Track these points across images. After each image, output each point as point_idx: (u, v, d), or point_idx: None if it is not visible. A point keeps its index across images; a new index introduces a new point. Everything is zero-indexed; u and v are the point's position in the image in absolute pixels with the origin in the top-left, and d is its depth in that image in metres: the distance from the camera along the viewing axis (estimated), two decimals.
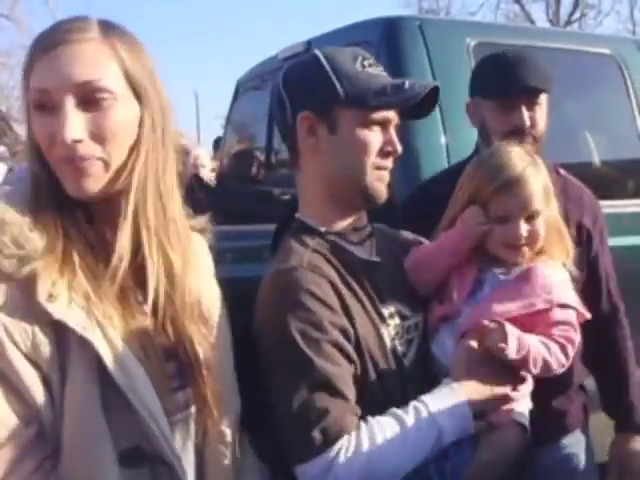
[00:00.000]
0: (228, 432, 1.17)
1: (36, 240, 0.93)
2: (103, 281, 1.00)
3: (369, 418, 1.24)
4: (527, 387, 1.36)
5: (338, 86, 1.31)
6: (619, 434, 1.92)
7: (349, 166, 1.34)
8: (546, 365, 1.31)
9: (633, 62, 2.78)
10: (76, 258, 0.98)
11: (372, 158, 1.33)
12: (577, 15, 23.55)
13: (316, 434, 1.18)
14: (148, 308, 1.07)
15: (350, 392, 1.24)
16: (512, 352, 1.26)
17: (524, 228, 1.37)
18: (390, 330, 1.35)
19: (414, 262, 1.46)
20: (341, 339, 1.25)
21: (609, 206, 2.48)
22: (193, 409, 1.11)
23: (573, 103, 3.10)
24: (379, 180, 1.36)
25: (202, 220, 1.26)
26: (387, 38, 2.39)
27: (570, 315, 1.36)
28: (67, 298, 0.94)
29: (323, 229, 1.38)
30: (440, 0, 25.42)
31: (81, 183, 0.99)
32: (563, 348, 1.32)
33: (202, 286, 1.18)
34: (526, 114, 1.74)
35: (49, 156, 0.99)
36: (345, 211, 1.40)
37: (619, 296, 1.93)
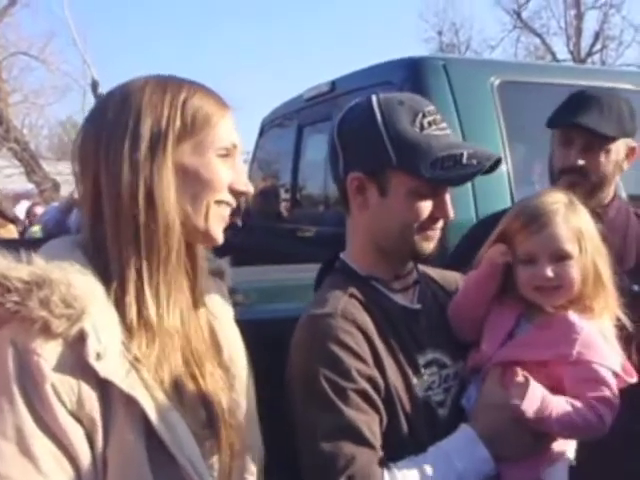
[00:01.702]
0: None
1: (84, 298, 0.93)
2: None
3: (391, 465, 1.23)
4: (559, 445, 1.31)
5: (391, 151, 1.28)
6: None
7: (396, 228, 1.32)
8: (574, 428, 1.25)
9: None
10: (133, 314, 0.99)
11: (418, 223, 1.32)
12: (598, 47, 23.59)
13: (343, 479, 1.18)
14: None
15: (376, 441, 1.24)
16: (528, 407, 1.22)
17: (549, 268, 1.31)
18: (425, 380, 1.33)
19: (451, 308, 1.44)
20: (369, 389, 1.24)
21: None
22: (216, 458, 1.11)
23: None
24: (427, 239, 1.34)
25: (222, 264, 1.26)
26: (411, 79, 2.42)
27: (604, 374, 1.27)
28: (115, 356, 0.95)
29: (365, 274, 1.38)
30: (461, 34, 25.68)
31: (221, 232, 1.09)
32: (593, 409, 1.25)
33: (222, 333, 1.18)
34: (579, 154, 1.73)
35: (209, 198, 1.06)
36: (391, 261, 1.39)
37: None
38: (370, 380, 1.25)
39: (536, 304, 1.36)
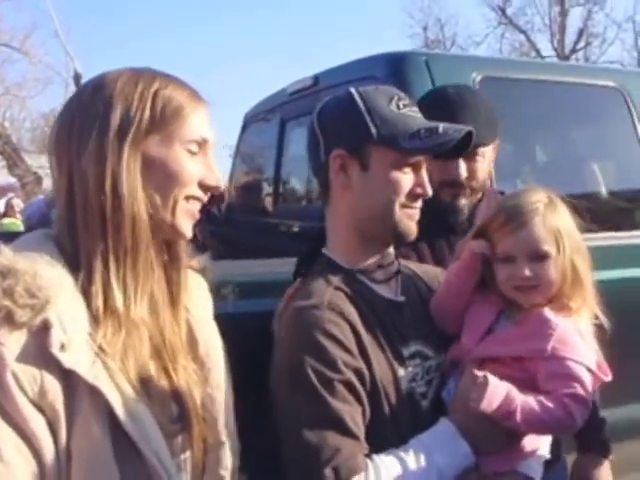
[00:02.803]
0: (226, 475, 1.17)
1: (49, 288, 0.93)
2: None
3: (374, 457, 1.23)
4: (533, 441, 1.32)
5: (371, 126, 1.32)
6: (582, 455, 1.79)
7: (379, 204, 1.34)
8: (541, 425, 1.25)
9: (637, 94, 2.80)
10: (99, 302, 0.99)
11: (401, 198, 1.34)
12: (582, 44, 23.75)
13: (328, 472, 1.19)
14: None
15: (360, 432, 1.24)
16: (487, 407, 1.22)
17: (527, 268, 1.32)
18: (409, 372, 1.34)
19: (434, 300, 1.45)
20: (354, 380, 1.25)
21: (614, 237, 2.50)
22: (189, 453, 1.10)
23: (579, 135, 3.13)
24: (409, 218, 1.37)
25: (202, 260, 1.26)
26: (394, 73, 2.42)
27: (577, 370, 1.27)
28: (80, 346, 0.95)
29: (349, 266, 1.39)
30: (446, 30, 25.74)
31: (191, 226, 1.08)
32: (563, 406, 1.24)
33: (198, 327, 1.18)
34: (463, 166, 1.72)
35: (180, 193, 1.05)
36: (373, 248, 1.41)
37: None
38: (356, 371, 1.26)
39: (516, 302, 1.36)
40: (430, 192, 1.37)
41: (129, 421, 0.96)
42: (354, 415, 1.24)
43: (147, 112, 1.02)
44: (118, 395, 0.96)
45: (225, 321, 1.26)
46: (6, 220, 7.55)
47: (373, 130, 1.32)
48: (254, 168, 4.01)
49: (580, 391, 1.26)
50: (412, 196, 1.36)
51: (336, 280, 1.35)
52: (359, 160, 1.34)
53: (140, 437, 0.97)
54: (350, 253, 1.40)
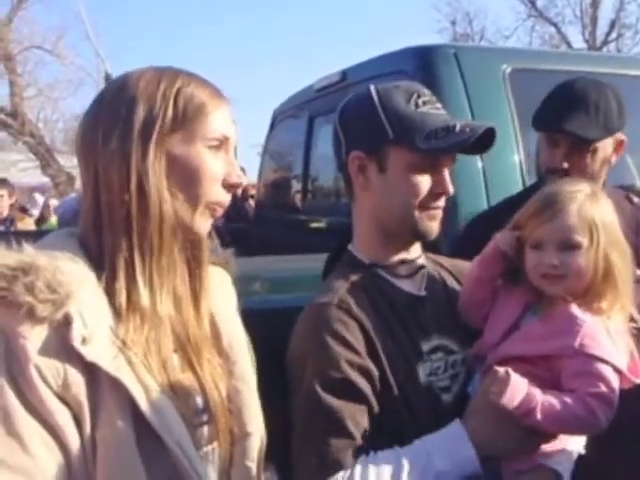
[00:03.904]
0: (252, 466, 1.18)
1: (70, 284, 0.95)
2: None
3: (368, 457, 1.24)
4: (558, 439, 1.29)
5: (387, 126, 1.32)
6: None
7: (397, 205, 1.34)
8: (562, 424, 1.23)
9: None
10: (122, 299, 1.00)
11: (420, 199, 1.33)
12: (614, 35, 23.34)
13: (314, 462, 1.22)
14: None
15: (358, 432, 1.25)
16: (508, 402, 1.20)
17: (555, 256, 1.29)
18: (428, 366, 1.34)
19: (461, 295, 1.44)
20: (358, 379, 1.26)
21: None
22: (216, 444, 1.12)
23: None
24: (429, 218, 1.36)
25: (225, 254, 1.27)
26: (422, 67, 2.41)
27: (602, 369, 1.23)
28: (102, 340, 0.96)
29: (370, 262, 1.40)
30: (474, 24, 25.50)
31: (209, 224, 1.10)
32: (586, 405, 1.21)
33: (222, 321, 1.19)
34: (564, 156, 1.72)
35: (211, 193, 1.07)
36: (395, 245, 1.41)
37: None
38: (361, 370, 1.27)
39: (544, 296, 1.34)
40: (451, 190, 1.36)
41: (151, 412, 0.97)
42: (354, 414, 1.25)
43: (170, 111, 1.03)
44: (140, 387, 0.97)
45: (255, 316, 1.27)
46: (53, 219, 7.67)
47: (389, 130, 1.32)
48: (283, 165, 4.01)
49: (604, 390, 1.22)
50: (432, 196, 1.34)
51: (355, 276, 1.37)
52: (377, 161, 1.34)
53: (162, 427, 0.98)
54: (373, 249, 1.41)
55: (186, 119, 1.04)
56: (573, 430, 1.28)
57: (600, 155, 1.75)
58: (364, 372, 1.27)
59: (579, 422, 1.23)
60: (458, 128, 1.31)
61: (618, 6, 23.11)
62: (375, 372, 1.28)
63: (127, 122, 1.02)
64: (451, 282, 1.50)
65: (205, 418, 1.09)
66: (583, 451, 1.34)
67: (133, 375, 0.97)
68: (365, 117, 1.35)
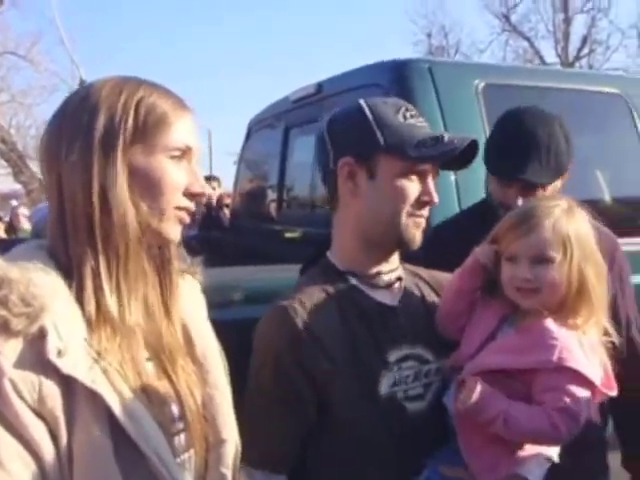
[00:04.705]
0: (228, 473, 1.18)
1: (43, 296, 0.94)
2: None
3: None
4: (531, 446, 1.32)
5: (379, 135, 1.36)
6: None
7: (386, 211, 1.37)
8: (524, 435, 1.26)
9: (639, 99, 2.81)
10: (92, 308, 1.00)
11: (407, 206, 1.37)
12: (586, 51, 23.75)
13: (255, 456, 1.32)
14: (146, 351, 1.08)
15: (286, 440, 1.35)
16: (472, 410, 1.24)
17: (529, 270, 1.31)
18: (393, 375, 1.36)
19: (440, 307, 1.46)
20: (300, 389, 1.32)
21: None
22: (192, 451, 1.12)
23: (583, 142, 3.13)
24: (415, 226, 1.39)
25: (194, 262, 1.27)
26: (397, 81, 2.44)
27: (574, 384, 1.26)
28: (77, 351, 0.95)
29: (344, 269, 1.42)
30: (450, 37, 25.79)
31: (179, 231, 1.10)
32: (548, 418, 1.24)
33: (194, 329, 1.19)
34: (517, 195, 1.74)
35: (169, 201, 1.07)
36: (376, 254, 1.43)
37: None
38: (306, 379, 1.31)
39: (521, 308, 1.36)
40: (437, 200, 1.40)
41: (128, 422, 0.97)
42: (282, 423, 1.33)
43: (131, 121, 1.03)
44: (117, 397, 0.97)
45: (229, 327, 1.28)
46: (26, 226, 7.57)
47: (381, 139, 1.36)
48: (258, 175, 4.02)
49: (571, 405, 1.25)
50: (419, 204, 1.38)
51: (326, 282, 1.40)
52: (367, 168, 1.37)
53: (139, 436, 0.98)
54: (352, 258, 1.43)
55: (147, 129, 1.04)
56: (535, 441, 1.30)
57: (549, 190, 1.78)
58: (308, 381, 1.31)
59: (541, 434, 1.26)
60: (447, 139, 1.36)
61: (590, 22, 23.56)
62: (322, 382, 1.32)
63: (88, 132, 1.01)
64: (429, 293, 1.52)
65: (181, 426, 1.10)
66: (557, 459, 1.36)
67: (109, 385, 0.97)
68: (356, 125, 1.39)
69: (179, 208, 1.09)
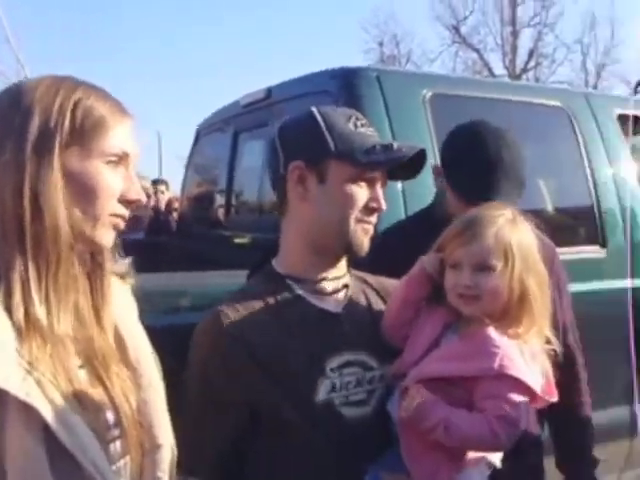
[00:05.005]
0: (164, 478, 1.16)
1: None
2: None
3: None
4: (473, 453, 1.33)
5: (330, 140, 1.38)
6: None
7: (335, 216, 1.38)
8: (465, 442, 1.28)
9: (581, 113, 2.89)
10: (20, 316, 0.97)
11: (356, 212, 1.38)
12: (532, 64, 24.38)
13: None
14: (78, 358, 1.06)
15: (214, 449, 1.37)
16: (413, 417, 1.26)
17: (470, 277, 1.33)
18: (331, 382, 1.36)
19: (385, 315, 1.46)
20: (230, 398, 1.33)
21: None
22: (128, 458, 1.10)
23: (527, 153, 3.20)
24: (363, 232, 1.41)
25: (124, 264, 1.23)
26: (345, 88, 2.46)
27: (514, 391, 1.28)
28: (8, 363, 0.92)
29: (288, 275, 1.42)
30: (401, 47, 26.12)
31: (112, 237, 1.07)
32: (488, 425, 1.26)
33: (126, 333, 1.17)
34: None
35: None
36: (323, 260, 1.44)
37: (578, 349, 1.92)
38: (234, 386, 1.33)
39: (464, 316, 1.37)
40: (384, 207, 1.41)
41: (64, 432, 0.94)
42: (211, 430, 1.35)
43: (67, 123, 1.00)
44: (51, 408, 0.94)
45: (176, 333, 1.31)
46: None
47: (331, 144, 1.37)
48: (207, 179, 3.99)
49: (511, 412, 1.27)
50: (367, 210, 1.40)
51: (266, 289, 1.41)
52: (317, 173, 1.39)
53: (75, 446, 0.95)
54: (298, 264, 1.43)
55: (84, 133, 1.01)
56: (476, 448, 1.32)
57: None
58: (240, 389, 1.33)
59: (481, 441, 1.28)
60: (396, 147, 1.39)
61: (536, 36, 24.20)
62: (251, 390, 1.33)
63: (21, 133, 0.98)
64: (375, 300, 1.52)
65: (117, 433, 1.07)
66: (499, 465, 1.38)
67: (43, 396, 0.94)
68: (307, 131, 1.41)
69: (114, 215, 1.06)
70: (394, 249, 1.75)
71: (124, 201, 1.07)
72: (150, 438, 1.14)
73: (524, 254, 1.35)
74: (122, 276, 1.23)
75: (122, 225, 1.08)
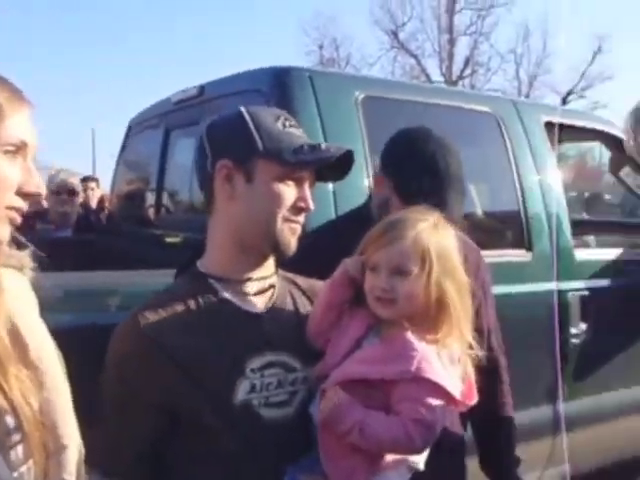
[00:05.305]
0: (72, 479, 1.13)
1: None
2: None
3: None
4: (391, 455, 1.33)
5: (257, 139, 1.37)
6: None
7: (262, 215, 1.38)
8: (380, 445, 1.28)
9: (510, 119, 2.95)
10: None
11: (284, 211, 1.38)
12: (468, 71, 24.94)
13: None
14: None
15: (131, 449, 1.35)
16: (329, 419, 1.26)
17: (386, 281, 1.33)
18: (250, 383, 1.34)
19: (310, 317, 1.45)
20: (140, 397, 1.32)
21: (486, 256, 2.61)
22: (31, 462, 1.05)
23: None
24: (290, 232, 1.40)
25: (22, 257, 1.17)
26: (277, 87, 2.44)
27: (430, 394, 1.28)
28: None
29: (213, 275, 1.41)
30: (341, 50, 26.30)
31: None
32: (405, 429, 1.26)
33: (26, 331, 1.11)
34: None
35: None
36: (249, 259, 1.43)
37: (501, 351, 1.94)
38: (150, 388, 1.31)
39: (385, 319, 1.37)
40: (312, 206, 1.42)
41: None
42: (126, 432, 1.33)
43: None
44: None
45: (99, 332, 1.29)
46: None
47: (259, 143, 1.37)
48: (137, 177, 3.90)
49: (426, 415, 1.27)
50: (294, 209, 1.40)
51: (189, 290, 1.39)
52: (244, 172, 1.38)
53: None
54: (224, 264, 1.42)
55: None
56: (392, 451, 1.32)
57: None
58: (154, 391, 1.31)
59: (396, 444, 1.28)
60: (323, 147, 1.41)
61: (472, 45, 24.78)
62: (166, 391, 1.31)
63: None
64: (303, 302, 1.52)
65: (18, 437, 1.02)
66: (422, 467, 1.38)
67: None
68: (235, 129, 1.40)
69: (10, 208, 1.01)
70: (325, 249, 1.74)
71: (22, 194, 1.02)
72: (54, 439, 1.09)
73: (442, 259, 1.34)
74: (20, 269, 1.16)
75: (19, 219, 1.03)
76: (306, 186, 1.41)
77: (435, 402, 1.28)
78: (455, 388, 1.32)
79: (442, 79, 24.23)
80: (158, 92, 3.45)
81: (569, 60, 24.54)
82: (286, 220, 1.39)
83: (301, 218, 1.43)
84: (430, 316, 1.34)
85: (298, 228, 1.43)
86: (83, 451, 1.16)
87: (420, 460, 1.38)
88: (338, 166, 1.45)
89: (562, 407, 2.73)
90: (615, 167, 4.01)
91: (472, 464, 1.96)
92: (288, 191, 1.38)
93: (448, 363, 1.33)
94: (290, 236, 1.41)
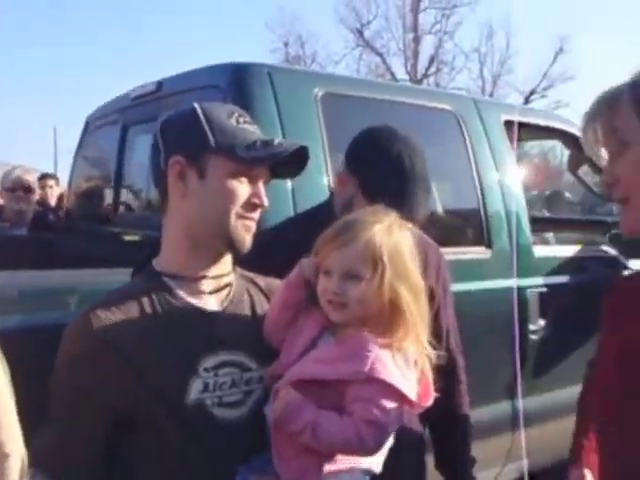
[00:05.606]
0: None
1: None
2: None
3: None
4: (345, 457, 1.31)
5: (210, 135, 1.36)
6: None
7: (215, 212, 1.37)
8: (332, 446, 1.26)
9: (470, 117, 2.96)
10: None
11: (237, 207, 1.37)
12: (433, 70, 25.13)
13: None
14: None
15: (72, 452, 1.31)
16: (280, 419, 1.25)
17: (338, 284, 1.30)
18: (205, 381, 1.32)
19: (266, 317, 1.43)
20: (90, 398, 1.29)
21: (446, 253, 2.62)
22: None
23: None
24: (244, 229, 1.39)
25: None
26: (236, 83, 2.42)
27: (383, 395, 1.26)
28: None
29: (167, 273, 1.39)
30: (307, 48, 26.28)
31: None
32: (357, 430, 1.24)
33: None
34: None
35: None
36: (204, 257, 1.41)
37: (459, 351, 1.95)
38: (100, 388, 1.29)
39: (336, 322, 1.35)
40: (266, 203, 1.40)
41: None
42: (76, 433, 1.30)
43: None
44: None
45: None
46: None
47: (211, 139, 1.36)
48: (95, 174, 3.83)
49: (379, 416, 1.25)
50: (248, 206, 1.38)
51: (142, 288, 1.37)
52: (197, 168, 1.36)
53: None
54: (179, 262, 1.41)
55: None
56: (344, 452, 1.30)
57: None
58: (105, 393, 1.29)
59: (348, 445, 1.26)
60: (276, 142, 1.39)
61: (437, 43, 24.96)
62: (115, 392, 1.29)
63: None
64: (260, 301, 1.50)
65: None
66: (378, 470, 1.37)
67: None
68: (187, 125, 1.38)
69: None
70: (283, 246, 1.72)
71: None
72: None
73: (396, 262, 1.31)
74: None
75: None
76: (260, 183, 1.40)
77: (389, 403, 1.27)
78: (410, 389, 1.30)
79: (407, 77, 24.37)
80: (120, 88, 3.39)
81: (532, 60, 24.77)
82: (240, 217, 1.37)
83: (255, 215, 1.41)
84: (384, 319, 1.31)
85: (252, 225, 1.41)
86: (26, 460, 1.13)
87: (376, 464, 1.36)
88: (293, 162, 1.44)
89: (521, 403, 2.74)
90: (574, 165, 4.07)
91: (431, 462, 1.97)
92: (241, 187, 1.37)
93: (404, 366, 1.31)
94: (244, 233, 1.39)
